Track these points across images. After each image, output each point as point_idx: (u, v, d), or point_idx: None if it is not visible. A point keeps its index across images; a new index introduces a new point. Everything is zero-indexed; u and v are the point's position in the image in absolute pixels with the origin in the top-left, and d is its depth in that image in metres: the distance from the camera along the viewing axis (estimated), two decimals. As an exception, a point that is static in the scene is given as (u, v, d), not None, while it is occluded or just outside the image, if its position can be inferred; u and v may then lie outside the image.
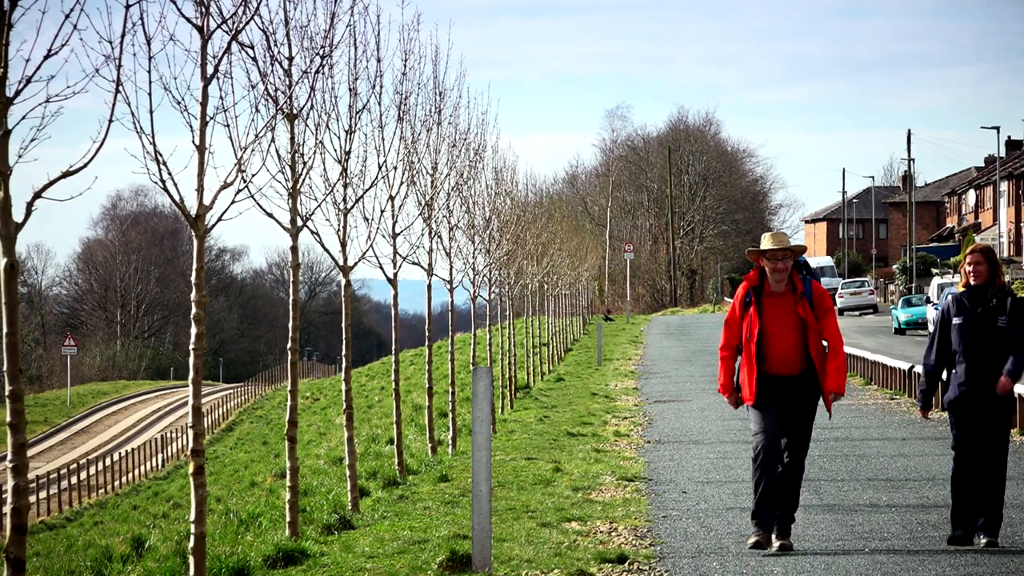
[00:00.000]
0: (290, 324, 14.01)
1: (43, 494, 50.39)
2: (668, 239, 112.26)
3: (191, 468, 10.76)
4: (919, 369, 26.77)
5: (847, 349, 31.02)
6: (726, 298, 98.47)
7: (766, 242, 12.20)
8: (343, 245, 16.24)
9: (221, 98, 11.53)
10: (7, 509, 8.42)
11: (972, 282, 11.99)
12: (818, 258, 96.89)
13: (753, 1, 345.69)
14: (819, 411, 12.44)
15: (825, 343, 12.17)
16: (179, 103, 10.51)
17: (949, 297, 12.24)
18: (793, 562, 11.59)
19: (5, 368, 8.44)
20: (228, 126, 11.77)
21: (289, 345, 14.07)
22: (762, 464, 11.97)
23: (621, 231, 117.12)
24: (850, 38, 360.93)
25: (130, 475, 56.50)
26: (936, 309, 55.50)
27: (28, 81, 8.41)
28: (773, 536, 11.99)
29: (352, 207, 16.22)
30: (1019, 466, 17.49)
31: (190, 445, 10.73)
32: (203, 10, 10.76)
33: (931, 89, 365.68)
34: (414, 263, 21.15)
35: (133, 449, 59.85)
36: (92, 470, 56.15)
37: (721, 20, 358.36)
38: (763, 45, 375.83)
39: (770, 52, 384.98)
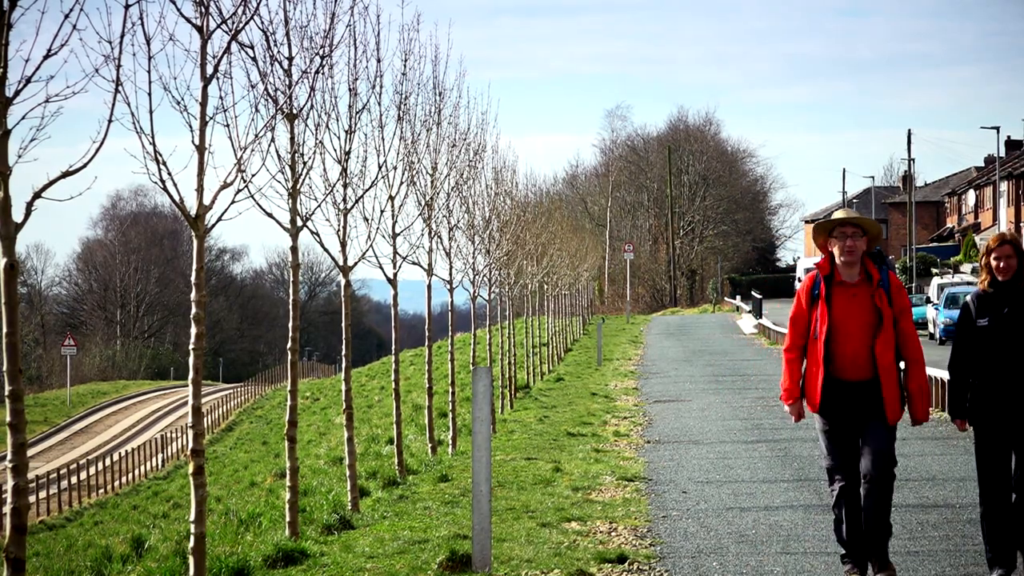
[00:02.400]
0: (290, 324, 14.02)
1: (43, 494, 50.39)
2: (668, 239, 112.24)
3: (191, 468, 10.76)
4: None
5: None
6: (726, 298, 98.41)
7: (835, 216, 10.64)
8: (343, 245, 16.24)
9: (221, 98, 11.55)
10: (7, 509, 8.42)
11: (1000, 277, 10.48)
12: (818, 258, 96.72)
13: (753, 1, 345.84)
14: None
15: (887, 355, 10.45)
16: (179, 103, 10.52)
17: (969, 296, 10.70)
18: (793, 562, 11.59)
19: (5, 368, 8.43)
20: (228, 126, 11.78)
21: (289, 345, 14.07)
22: (841, 504, 10.39)
23: (621, 231, 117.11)
24: (850, 38, 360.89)
25: (130, 475, 56.50)
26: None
27: (28, 81, 8.41)
28: (871, 572, 10.42)
29: (352, 207, 16.22)
30: None
31: (190, 445, 10.73)
32: (203, 10, 10.76)
33: (931, 89, 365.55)
34: (414, 263, 21.15)
35: (133, 449, 59.84)
36: (92, 470, 56.15)
37: (721, 20, 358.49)
38: (763, 45, 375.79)
39: (770, 52, 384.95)
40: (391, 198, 18.63)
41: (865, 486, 10.36)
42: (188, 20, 10.65)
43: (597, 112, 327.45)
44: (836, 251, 10.55)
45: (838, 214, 10.62)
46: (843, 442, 10.44)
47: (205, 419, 39.36)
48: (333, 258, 16.31)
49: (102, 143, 9.04)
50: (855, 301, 10.43)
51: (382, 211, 17.90)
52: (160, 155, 10.20)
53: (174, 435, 65.16)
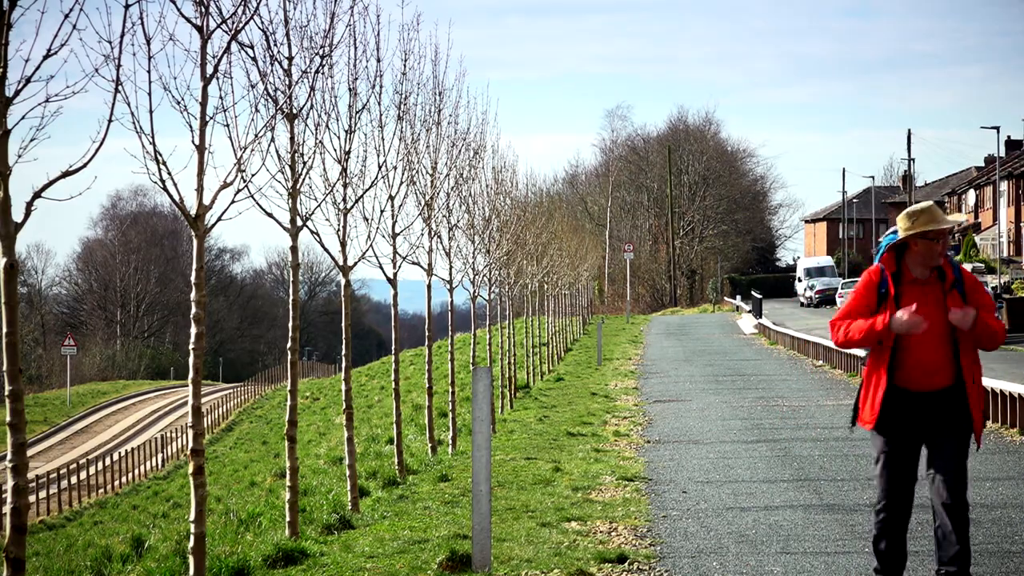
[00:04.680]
0: (290, 324, 14.01)
1: (43, 494, 50.40)
2: (668, 239, 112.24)
3: (191, 468, 10.76)
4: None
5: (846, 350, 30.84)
6: (726, 298, 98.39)
7: (921, 221, 9.18)
8: (343, 245, 16.24)
9: (221, 98, 11.54)
10: (7, 509, 8.42)
11: None
12: (818, 258, 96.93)
13: (758, 1, 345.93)
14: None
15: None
16: (179, 103, 10.52)
17: None
18: (793, 562, 11.59)
19: (5, 368, 8.43)
20: (228, 126, 11.77)
21: (289, 345, 14.07)
22: (885, 527, 9.21)
23: (621, 231, 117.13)
24: (853, 38, 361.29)
25: (130, 475, 56.51)
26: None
27: (28, 81, 8.40)
28: None
29: (352, 207, 16.22)
30: None
31: (190, 445, 10.73)
32: (203, 10, 10.76)
33: (932, 89, 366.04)
34: (414, 263, 21.15)
35: (133, 449, 59.85)
36: (92, 470, 56.16)
37: (726, 20, 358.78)
38: (767, 45, 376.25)
39: (774, 52, 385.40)
40: (391, 198, 18.63)
41: (943, 516, 9.06)
42: (188, 20, 10.65)
43: (597, 112, 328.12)
44: (921, 251, 9.19)
45: (923, 220, 9.21)
46: (900, 468, 9.19)
47: (205, 419, 39.40)
48: (333, 258, 16.31)
49: (102, 143, 9.04)
50: (928, 300, 9.15)
51: (382, 211, 17.91)
52: (160, 155, 10.20)
53: (174, 435, 65.16)
